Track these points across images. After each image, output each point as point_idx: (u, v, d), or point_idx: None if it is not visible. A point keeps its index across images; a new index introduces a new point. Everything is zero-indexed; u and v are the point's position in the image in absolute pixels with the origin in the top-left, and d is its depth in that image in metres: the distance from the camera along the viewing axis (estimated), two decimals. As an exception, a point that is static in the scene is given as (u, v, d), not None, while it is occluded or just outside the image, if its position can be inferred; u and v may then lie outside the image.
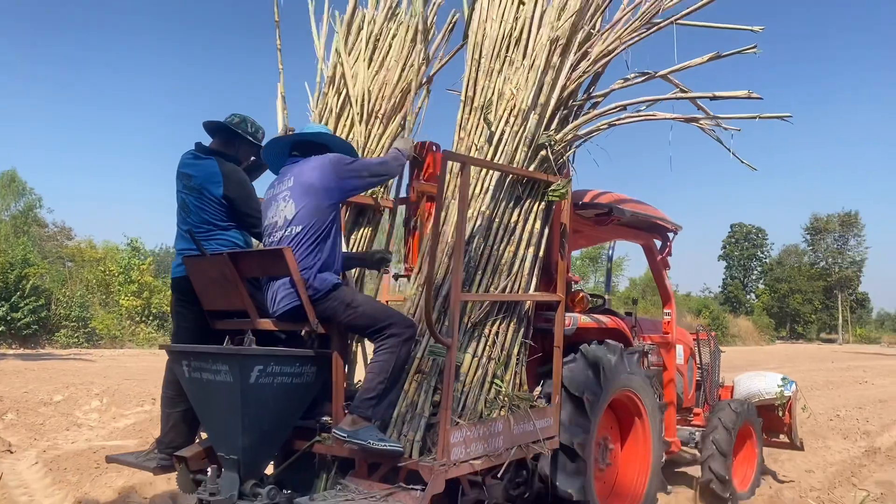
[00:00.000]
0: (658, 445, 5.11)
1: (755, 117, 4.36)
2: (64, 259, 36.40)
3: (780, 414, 7.19)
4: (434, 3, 5.26)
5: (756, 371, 7.88)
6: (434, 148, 5.14)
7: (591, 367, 4.40)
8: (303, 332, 3.83)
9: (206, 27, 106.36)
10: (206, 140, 4.29)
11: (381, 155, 4.72)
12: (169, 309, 22.31)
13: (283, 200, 3.69)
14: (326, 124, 4.88)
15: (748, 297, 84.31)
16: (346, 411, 3.53)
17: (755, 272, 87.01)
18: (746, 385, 7.26)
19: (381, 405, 3.49)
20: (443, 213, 4.12)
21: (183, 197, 4.03)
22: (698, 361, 7.05)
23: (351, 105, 4.93)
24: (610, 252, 7.41)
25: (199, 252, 3.80)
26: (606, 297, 6.31)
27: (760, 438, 6.74)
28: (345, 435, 3.36)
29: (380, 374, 3.47)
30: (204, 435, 4.00)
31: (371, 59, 5.08)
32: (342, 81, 5.04)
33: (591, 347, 4.52)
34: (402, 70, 5.08)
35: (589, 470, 4.28)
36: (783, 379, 7.21)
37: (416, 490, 3.25)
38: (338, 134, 4.77)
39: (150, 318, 29.53)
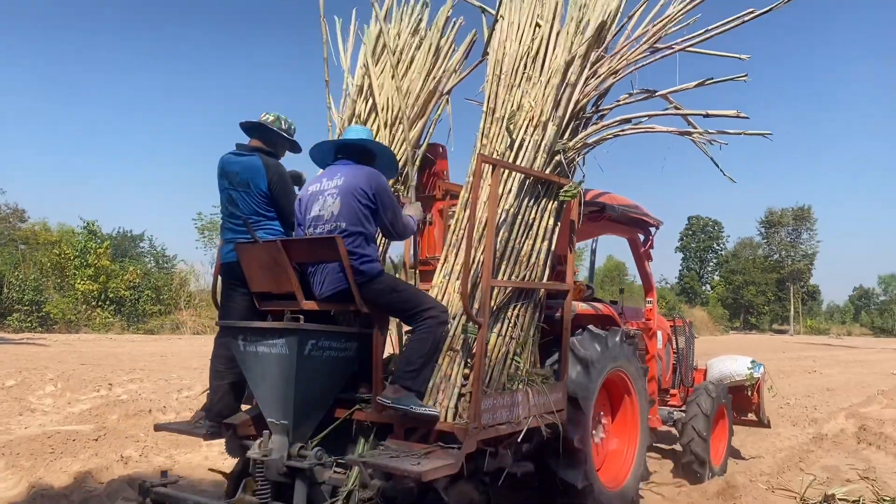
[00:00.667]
0: (645, 422, 5.62)
1: (740, 133, 4.90)
2: (17, 242, 35.56)
3: (750, 394, 7.74)
4: (453, 22, 5.78)
5: (727, 355, 8.39)
6: (441, 150, 5.75)
7: (597, 340, 5.03)
8: (352, 310, 4.16)
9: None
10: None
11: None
12: (128, 293, 22.07)
13: (330, 197, 4.10)
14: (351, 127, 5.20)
15: (704, 288, 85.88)
16: (389, 382, 3.94)
17: (711, 264, 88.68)
18: (718, 368, 7.83)
19: (420, 377, 3.93)
20: (467, 212, 4.58)
21: (229, 193, 4.40)
22: (675, 346, 7.59)
23: (377, 112, 5.41)
24: (594, 245, 7.91)
25: (251, 239, 4.19)
26: (591, 286, 6.78)
27: (731, 417, 7.32)
28: (389, 402, 3.79)
29: (419, 351, 3.94)
30: (245, 407, 4.43)
31: (395, 71, 5.50)
32: (369, 90, 5.51)
33: (592, 329, 5.10)
34: (424, 81, 5.55)
35: (588, 423, 4.80)
36: (752, 362, 7.79)
37: (454, 448, 3.70)
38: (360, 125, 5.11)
39: (107, 302, 29.00)
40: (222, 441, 6.39)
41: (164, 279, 32.03)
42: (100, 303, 28.91)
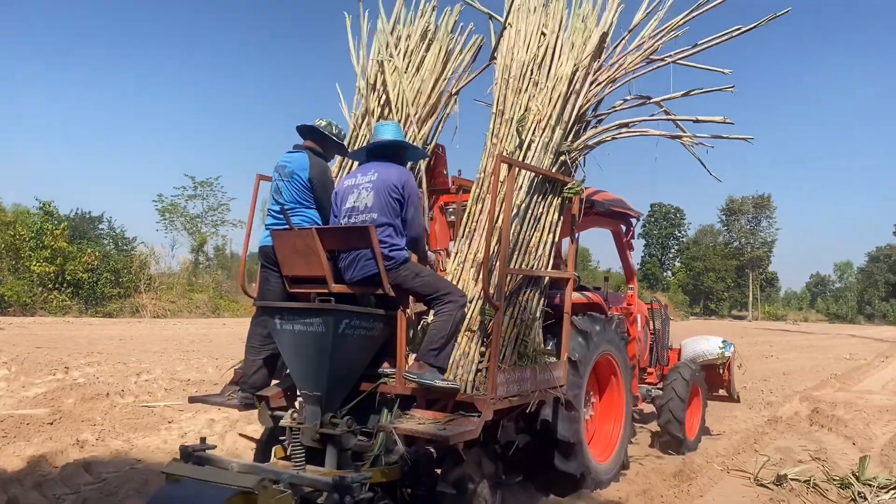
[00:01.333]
0: (629, 399, 6.19)
1: (724, 137, 5.36)
2: (-31, 222, 34.61)
3: (721, 372, 8.35)
4: (460, 27, 6.16)
5: (700, 335, 8.96)
6: (440, 150, 6.04)
7: (596, 322, 5.64)
8: (378, 293, 4.46)
9: None
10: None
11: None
12: (86, 276, 21.60)
13: (364, 190, 4.51)
14: (368, 125, 5.74)
15: (665, 274, 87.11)
16: (414, 359, 4.36)
17: (672, 250, 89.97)
18: (692, 348, 8.36)
19: (442, 355, 4.31)
20: (479, 206, 5.09)
21: (277, 184, 4.86)
22: (652, 328, 8.07)
23: (391, 109, 5.73)
24: (576, 235, 7.87)
25: (287, 226, 4.57)
26: (577, 275, 6.81)
27: (705, 394, 7.87)
28: (414, 377, 4.21)
29: (440, 331, 4.31)
30: (275, 381, 4.84)
31: (407, 71, 5.87)
32: (382, 88, 5.83)
33: (592, 314, 5.75)
34: (435, 82, 5.91)
35: (583, 385, 5.34)
36: (723, 342, 8.35)
37: (474, 416, 4.15)
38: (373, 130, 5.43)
39: (65, 285, 28.39)
40: (181, 425, 6.53)
41: (123, 261, 31.39)
42: (57, 285, 28.23)
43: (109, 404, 8.18)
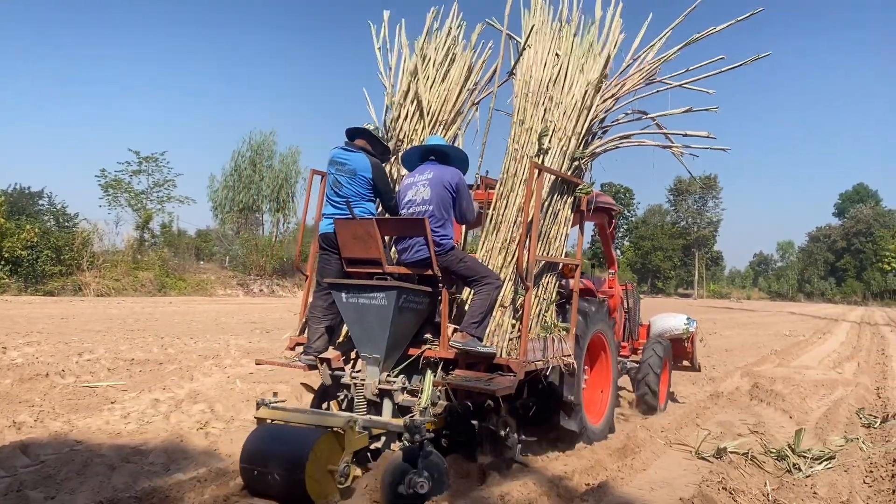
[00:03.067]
0: (616, 371, 7.13)
1: (705, 148, 6.28)
2: None
3: (685, 345, 9.37)
4: (482, 44, 7.01)
5: (667, 313, 9.88)
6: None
7: (592, 304, 6.59)
8: (427, 273, 5.24)
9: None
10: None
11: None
12: (25, 253, 20.87)
13: (422, 186, 5.34)
14: (401, 128, 6.60)
15: (615, 252, 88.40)
16: (457, 330, 5.12)
17: (621, 230, 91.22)
18: (660, 324, 9.30)
19: (481, 326, 5.14)
20: (506, 201, 5.89)
21: (336, 177, 5.51)
22: (626, 307, 8.96)
23: (422, 114, 6.57)
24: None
25: (349, 216, 5.30)
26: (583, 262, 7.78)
27: (672, 365, 8.90)
28: (460, 345, 5.00)
29: (480, 307, 5.12)
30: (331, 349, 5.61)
31: (435, 82, 6.71)
32: (414, 96, 6.65)
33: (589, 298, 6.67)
34: (460, 92, 6.75)
35: (582, 355, 6.18)
36: (688, 318, 9.34)
37: (510, 375, 4.99)
38: (409, 132, 6.58)
39: (2, 262, 27.47)
40: (125, 405, 6.41)
41: (64, 238, 30.39)
42: (-7, 263, 27.32)
43: (49, 385, 7.96)
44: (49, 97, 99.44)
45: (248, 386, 8.50)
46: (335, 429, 4.43)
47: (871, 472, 5.62)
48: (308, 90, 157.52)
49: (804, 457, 5.86)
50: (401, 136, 6.60)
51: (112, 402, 7.34)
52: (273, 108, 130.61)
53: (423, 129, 6.55)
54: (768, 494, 4.79)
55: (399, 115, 6.65)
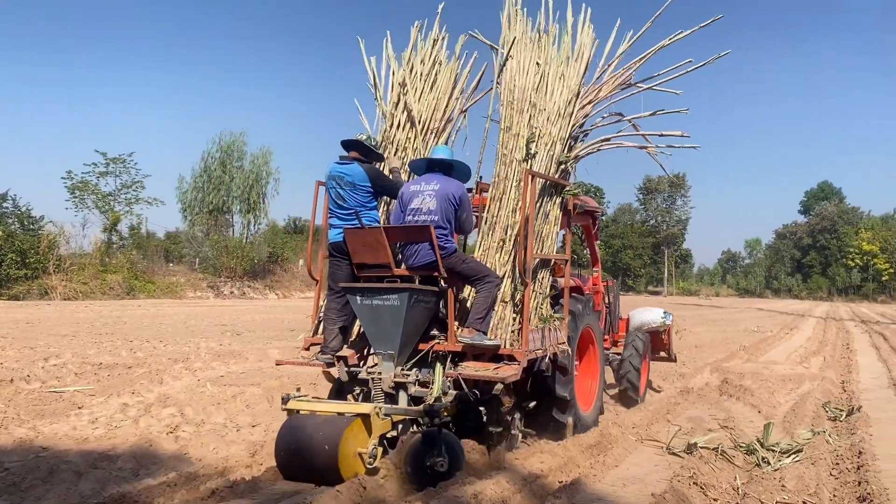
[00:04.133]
0: (603, 362, 7.71)
1: (678, 147, 6.84)
2: None
3: (662, 337, 10.01)
4: (466, 54, 7.37)
5: (644, 307, 10.44)
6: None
7: (580, 302, 7.03)
8: (434, 275, 5.66)
9: None
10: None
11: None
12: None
13: (427, 196, 5.75)
14: (394, 137, 6.92)
15: (585, 251, 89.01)
16: (463, 326, 5.62)
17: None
18: (639, 318, 9.82)
19: (485, 321, 5.64)
20: (499, 203, 6.32)
21: (338, 191, 5.90)
22: (607, 302, 9.37)
23: (413, 123, 6.93)
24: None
25: (358, 225, 5.67)
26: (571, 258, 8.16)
27: (650, 357, 9.41)
28: (468, 340, 5.47)
29: (483, 304, 5.63)
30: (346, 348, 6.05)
31: (423, 92, 7.08)
32: (405, 106, 6.99)
33: (576, 296, 7.06)
34: (448, 101, 7.16)
35: (573, 350, 6.62)
36: (664, 312, 10.00)
37: (514, 364, 5.51)
38: (403, 140, 6.92)
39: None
40: (92, 410, 6.33)
41: (30, 241, 29.86)
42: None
43: (14, 390, 7.80)
44: (12, 98, 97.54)
45: (219, 389, 8.41)
46: (363, 414, 4.94)
47: (838, 464, 5.72)
48: (282, 89, 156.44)
49: (773, 450, 5.94)
50: (395, 145, 6.90)
51: (79, 408, 7.22)
52: (244, 108, 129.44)
53: (415, 137, 6.92)
54: (738, 488, 4.85)
55: (392, 124, 7.01)
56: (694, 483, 4.75)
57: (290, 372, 10.04)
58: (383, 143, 6.82)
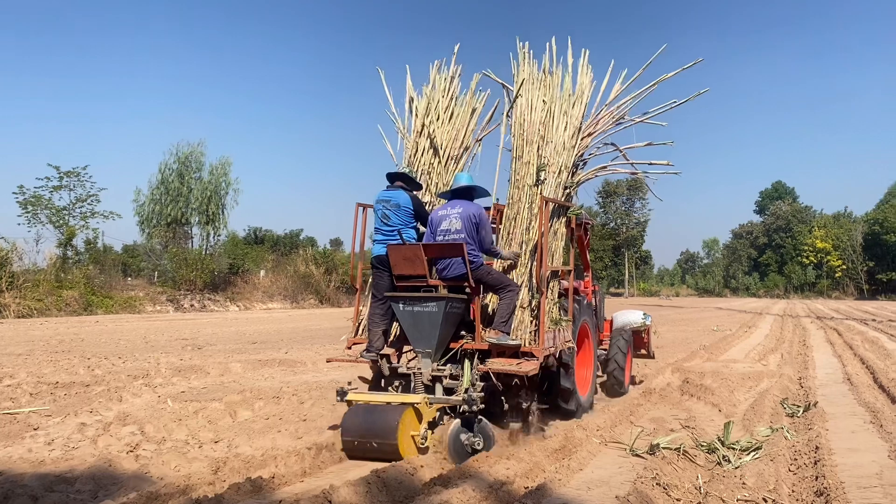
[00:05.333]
0: (596, 353, 8.92)
1: (661, 173, 8.19)
2: None
3: (643, 336, 11.16)
4: (480, 91, 8.60)
5: (626, 309, 11.54)
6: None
7: (579, 303, 8.15)
8: (464, 285, 6.74)
9: None
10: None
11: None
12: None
13: (454, 219, 6.83)
14: (419, 162, 8.11)
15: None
16: (490, 328, 6.68)
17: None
18: (622, 318, 10.90)
19: (508, 324, 6.68)
20: (514, 221, 7.44)
21: (385, 211, 7.05)
22: (595, 304, 10.02)
23: (435, 150, 8.14)
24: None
25: (399, 241, 6.77)
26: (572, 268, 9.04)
27: (632, 353, 10.57)
28: (494, 340, 6.56)
29: (506, 309, 6.68)
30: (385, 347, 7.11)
31: (443, 122, 8.24)
32: (428, 134, 8.18)
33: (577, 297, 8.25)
34: (465, 131, 8.30)
35: (574, 349, 7.69)
36: (644, 314, 11.09)
37: (534, 360, 6.58)
38: (427, 168, 8.12)
39: None
40: (48, 431, 6.21)
41: (-20, 259, 29.10)
42: None
43: (-35, 413, 7.58)
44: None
45: (180, 405, 8.27)
46: (415, 403, 5.95)
47: (796, 459, 5.84)
48: (240, 97, 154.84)
49: (733, 448, 6.05)
50: (420, 170, 8.06)
51: (35, 429, 7.04)
52: (202, 117, 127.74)
53: (437, 163, 8.11)
54: (700, 487, 4.92)
55: (416, 150, 8.19)
56: (657, 484, 4.80)
57: (252, 386, 9.94)
58: (412, 168, 7.83)
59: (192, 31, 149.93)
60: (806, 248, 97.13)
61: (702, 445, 6.15)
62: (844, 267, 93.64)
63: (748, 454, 5.86)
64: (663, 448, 5.92)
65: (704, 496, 4.73)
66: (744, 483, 5.01)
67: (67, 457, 5.97)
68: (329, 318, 32.07)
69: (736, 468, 5.46)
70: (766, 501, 4.66)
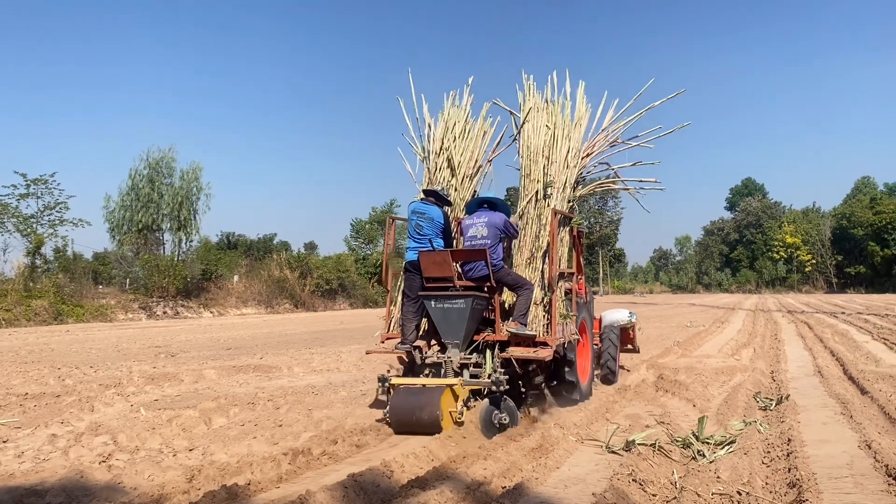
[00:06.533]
0: (594, 347, 10.13)
1: (648, 189, 9.55)
2: None
3: (629, 332, 12.22)
4: (490, 117, 9.76)
5: (614, 309, 12.40)
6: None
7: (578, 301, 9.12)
8: (486, 285, 7.77)
9: None
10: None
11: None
12: None
13: (481, 227, 7.98)
14: (437, 179, 9.18)
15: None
16: (510, 321, 7.69)
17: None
18: (610, 317, 11.75)
19: (525, 317, 7.70)
20: (523, 231, 8.59)
21: (418, 222, 8.04)
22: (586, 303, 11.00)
23: (452, 169, 9.24)
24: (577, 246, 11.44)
25: (430, 248, 7.79)
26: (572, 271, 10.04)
27: (621, 347, 11.69)
28: (514, 330, 7.55)
29: (524, 305, 7.73)
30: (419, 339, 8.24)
31: (458, 144, 9.34)
32: (446, 154, 9.28)
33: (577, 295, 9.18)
34: (478, 152, 9.50)
35: (576, 344, 8.78)
36: (630, 312, 12.05)
37: (547, 347, 7.57)
38: (443, 181, 9.16)
39: None
40: (18, 443, 6.10)
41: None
42: None
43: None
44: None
45: (153, 414, 8.18)
46: (452, 385, 6.97)
47: (769, 452, 5.91)
48: (210, 101, 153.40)
49: (707, 443, 6.10)
50: (440, 186, 8.90)
51: (4, 441, 6.90)
52: (172, 123, 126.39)
53: (455, 179, 9.18)
54: (675, 482, 4.96)
55: (436, 168, 9.27)
56: (633, 480, 4.84)
57: (227, 393, 9.85)
58: (433, 185, 8.96)
59: (163, 35, 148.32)
60: (776, 243, 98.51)
61: (677, 441, 6.20)
62: (814, 261, 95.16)
63: (722, 448, 5.92)
64: (639, 444, 5.96)
65: (680, 491, 4.76)
66: (718, 477, 5.06)
67: (38, 469, 5.85)
68: (304, 322, 31.89)
69: (710, 462, 5.51)
70: (740, 494, 4.70)
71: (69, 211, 39.92)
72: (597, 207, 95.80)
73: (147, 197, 44.19)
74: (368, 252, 67.13)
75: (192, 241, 46.79)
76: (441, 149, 9.33)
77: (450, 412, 6.76)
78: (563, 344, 8.04)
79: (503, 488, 4.92)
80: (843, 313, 31.01)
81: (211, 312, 40.75)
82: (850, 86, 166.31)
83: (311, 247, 76.03)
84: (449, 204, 8.55)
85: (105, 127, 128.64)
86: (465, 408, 6.83)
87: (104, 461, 6.12)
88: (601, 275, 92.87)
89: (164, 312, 37.92)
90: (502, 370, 7.35)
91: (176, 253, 45.35)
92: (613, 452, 6.05)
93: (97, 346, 18.52)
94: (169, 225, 45.11)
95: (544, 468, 5.52)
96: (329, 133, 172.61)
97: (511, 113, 9.48)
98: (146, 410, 8.41)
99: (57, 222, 39.24)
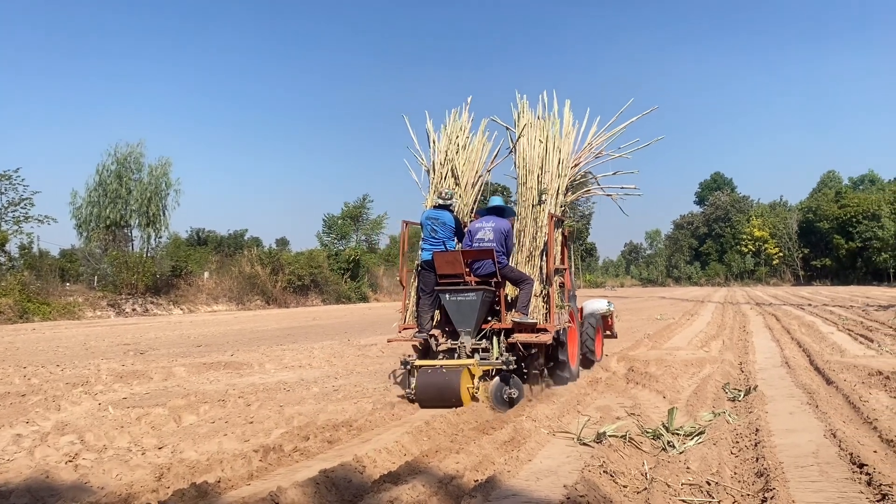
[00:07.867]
0: (580, 332, 11.18)
1: (628, 195, 10.69)
2: None
3: (608, 320, 13.32)
4: (488, 132, 10.91)
5: (594, 299, 13.43)
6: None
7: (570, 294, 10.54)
8: (492, 280, 8.79)
9: None
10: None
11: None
12: None
13: (488, 230, 8.98)
14: (442, 187, 9.90)
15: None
16: (514, 311, 8.85)
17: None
18: (590, 307, 12.71)
19: (527, 307, 8.76)
20: (522, 233, 9.75)
21: (432, 227, 9.11)
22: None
23: (456, 178, 10.35)
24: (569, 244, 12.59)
25: (444, 249, 8.88)
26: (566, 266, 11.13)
27: (602, 333, 12.61)
28: (517, 319, 8.66)
29: (526, 297, 8.79)
30: (433, 328, 9.23)
31: (460, 155, 10.49)
32: (449, 165, 10.38)
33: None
34: (479, 163, 10.64)
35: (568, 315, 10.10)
36: (608, 302, 13.19)
37: (547, 333, 8.69)
38: (447, 188, 9.75)
39: None
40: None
41: None
42: None
43: None
44: None
45: (122, 412, 8.06)
46: (469, 365, 8.10)
47: (737, 442, 5.99)
48: (181, 94, 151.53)
49: (677, 434, 6.16)
50: (446, 190, 9.62)
51: (-33, 443, 6.76)
52: (140, 117, 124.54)
53: (458, 187, 10.25)
54: (646, 473, 5.00)
55: (440, 177, 10.34)
56: (604, 472, 4.86)
57: (197, 390, 9.75)
58: (439, 193, 9.58)
59: (131, 26, 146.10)
60: (744, 236, 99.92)
61: (647, 432, 6.26)
62: (781, 254, 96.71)
63: (692, 439, 5.98)
64: (610, 436, 5.99)
65: (650, 482, 4.80)
66: (688, 467, 5.11)
67: (2, 470, 5.74)
68: (276, 318, 31.67)
69: (680, 453, 5.56)
70: (709, 484, 4.75)
71: (34, 207, 39.29)
72: (568, 202, 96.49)
73: (115, 192, 43.51)
74: (341, 248, 66.74)
75: (161, 237, 46.19)
76: (445, 160, 10.41)
77: (467, 388, 7.90)
78: (559, 330, 9.12)
79: (475, 482, 4.92)
80: (810, 305, 31.56)
81: (181, 309, 40.30)
82: (815, 81, 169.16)
83: (282, 242, 75.59)
84: (453, 204, 9.54)
85: (71, 121, 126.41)
86: (479, 384, 8.03)
87: (71, 461, 6.01)
88: (573, 269, 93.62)
89: (134, 310, 37.42)
90: (508, 353, 8.45)
91: (145, 249, 44.75)
92: (585, 444, 6.08)
93: (64, 344, 18.23)
94: (138, 221, 44.45)
95: (516, 461, 5.53)
96: (301, 126, 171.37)
97: (507, 128, 10.57)
98: (114, 409, 8.29)
99: (21, 219, 38.60)
